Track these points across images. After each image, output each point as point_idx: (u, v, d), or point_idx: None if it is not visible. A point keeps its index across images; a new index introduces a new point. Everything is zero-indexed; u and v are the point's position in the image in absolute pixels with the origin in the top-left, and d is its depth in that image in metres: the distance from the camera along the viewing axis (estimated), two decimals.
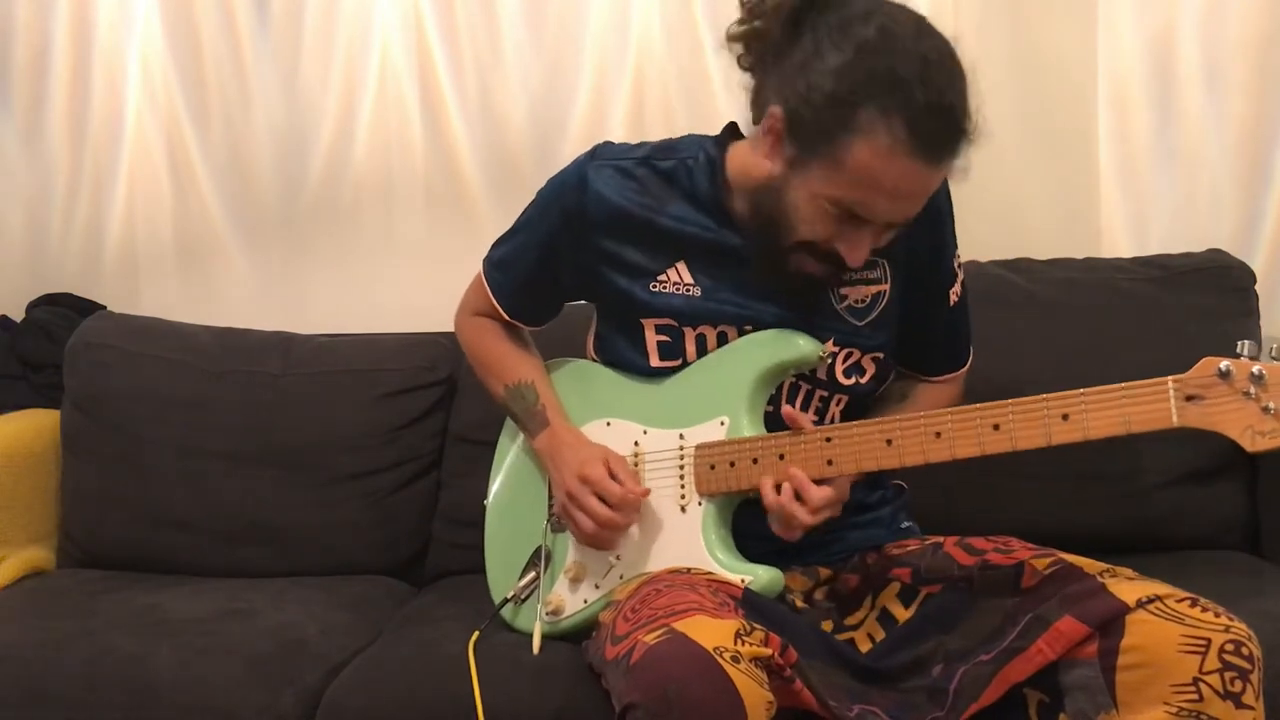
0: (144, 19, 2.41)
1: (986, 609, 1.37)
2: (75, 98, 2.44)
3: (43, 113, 2.45)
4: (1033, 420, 1.31)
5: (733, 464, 1.48)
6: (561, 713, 1.49)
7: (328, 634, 1.77)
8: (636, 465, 1.56)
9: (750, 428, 1.50)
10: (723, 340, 1.55)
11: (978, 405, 1.35)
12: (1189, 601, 1.25)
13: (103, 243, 2.46)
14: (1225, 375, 1.23)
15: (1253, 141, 2.20)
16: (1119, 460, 1.93)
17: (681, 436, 1.54)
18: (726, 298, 1.54)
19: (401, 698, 1.55)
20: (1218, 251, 2.08)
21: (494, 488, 1.76)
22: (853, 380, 1.55)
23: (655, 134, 1.68)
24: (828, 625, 1.49)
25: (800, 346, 1.49)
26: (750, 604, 1.38)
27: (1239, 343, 1.25)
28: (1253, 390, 1.23)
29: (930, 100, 1.31)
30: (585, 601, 1.58)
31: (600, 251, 1.58)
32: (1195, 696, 1.21)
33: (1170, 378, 1.26)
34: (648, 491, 1.53)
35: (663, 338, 1.57)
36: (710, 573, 1.46)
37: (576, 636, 1.57)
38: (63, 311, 2.39)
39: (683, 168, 1.56)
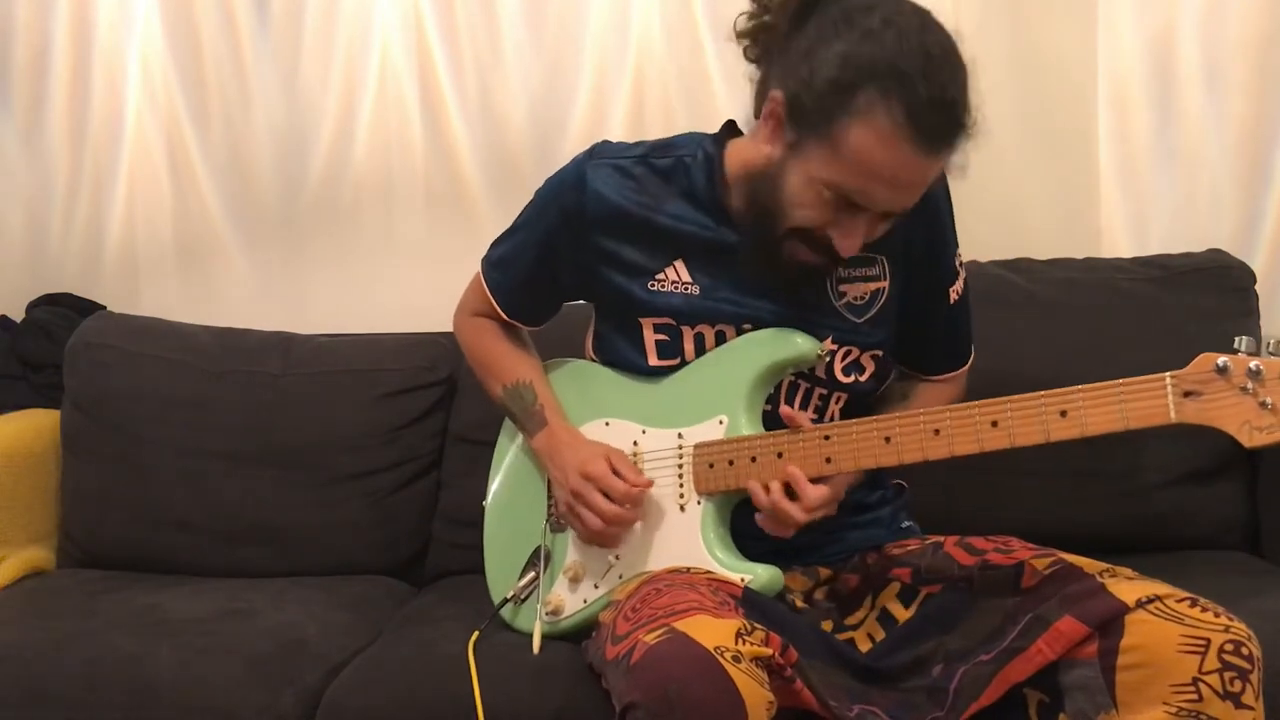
0: (144, 19, 2.41)
1: (986, 609, 1.37)
2: (75, 98, 2.44)
3: (43, 113, 2.45)
4: (1031, 417, 1.31)
5: (731, 463, 1.48)
6: (561, 713, 1.49)
7: (328, 634, 1.77)
8: (635, 464, 1.56)
9: (749, 426, 1.50)
10: (721, 339, 1.55)
11: (976, 402, 1.35)
12: (1189, 601, 1.25)
13: (103, 243, 2.46)
14: (1223, 371, 1.23)
15: (1253, 141, 2.20)
16: (1119, 460, 1.93)
17: (680, 436, 1.54)
18: (725, 296, 1.54)
19: (401, 698, 1.55)
20: (1218, 251, 2.08)
21: (493, 488, 1.76)
22: (852, 378, 1.55)
23: (655, 133, 1.69)
24: (828, 625, 1.49)
25: (799, 345, 1.49)
26: (750, 603, 1.38)
27: (1236, 338, 1.25)
28: (1250, 385, 1.23)
29: (931, 89, 1.31)
30: (585, 601, 1.58)
31: (598, 250, 1.58)
32: (1195, 696, 1.21)
33: (1168, 374, 1.26)
34: (651, 482, 1.53)
35: (661, 337, 1.57)
36: (710, 572, 1.46)
37: (576, 636, 1.57)
38: (63, 311, 2.39)
39: (681, 165, 1.56)
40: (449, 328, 1.83)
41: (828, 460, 1.42)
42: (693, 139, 1.59)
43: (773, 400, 1.53)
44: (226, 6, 2.39)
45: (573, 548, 1.61)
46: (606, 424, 1.61)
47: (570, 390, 1.68)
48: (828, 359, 1.53)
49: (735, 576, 1.44)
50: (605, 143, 1.63)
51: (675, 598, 1.32)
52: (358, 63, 2.38)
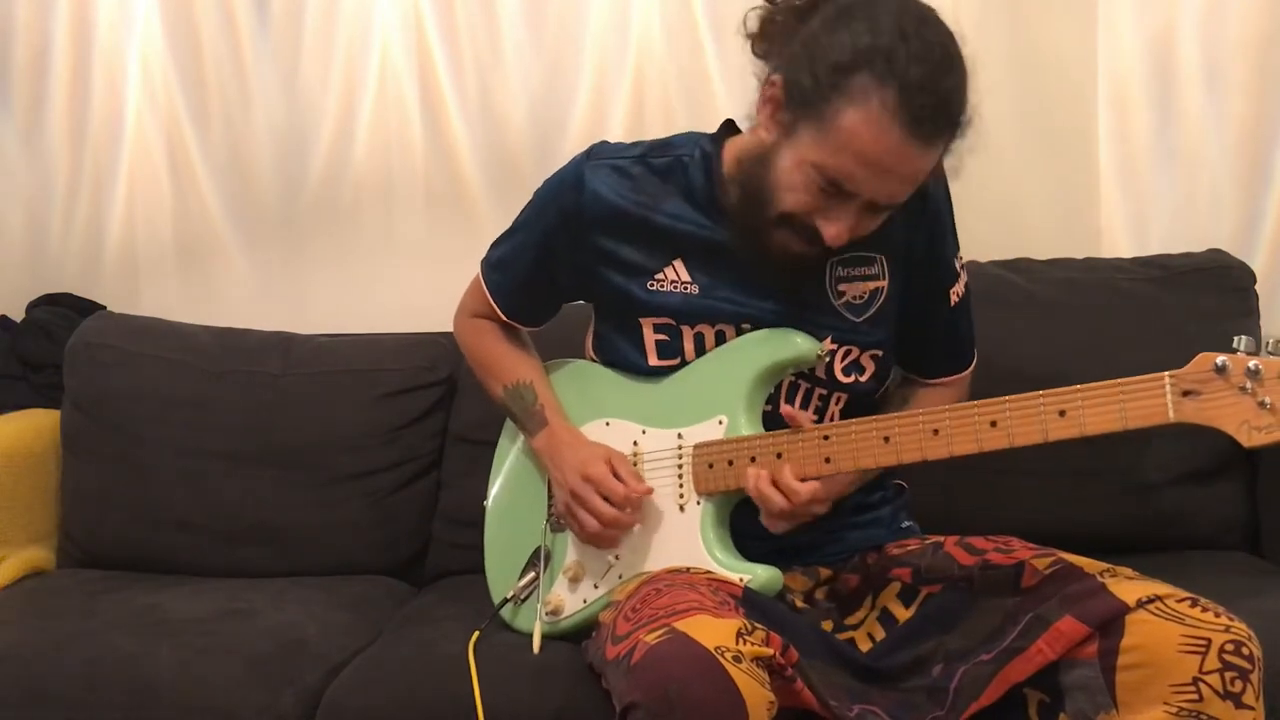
0: (144, 19, 2.41)
1: (987, 609, 1.37)
2: (75, 98, 2.44)
3: (43, 113, 2.45)
4: (1030, 417, 1.31)
5: (731, 463, 1.48)
6: (561, 713, 1.49)
7: (328, 634, 1.77)
8: (635, 465, 1.56)
9: (748, 426, 1.50)
10: (721, 338, 1.55)
11: (975, 402, 1.35)
12: (1189, 601, 1.25)
13: (103, 243, 2.46)
14: (1222, 370, 1.23)
15: (1253, 141, 2.20)
16: (1119, 459, 1.93)
17: (680, 436, 1.54)
18: (724, 295, 1.54)
19: (401, 698, 1.55)
20: (1218, 251, 2.08)
21: (494, 489, 1.76)
22: (852, 378, 1.55)
23: (655, 134, 1.69)
24: (828, 625, 1.49)
25: (799, 345, 1.49)
26: (751, 603, 1.38)
27: (1235, 338, 1.25)
28: (1249, 385, 1.22)
29: (926, 81, 1.31)
30: (585, 601, 1.58)
31: (597, 251, 1.58)
32: (1195, 696, 1.21)
33: (1167, 373, 1.26)
34: (651, 490, 1.53)
35: (661, 336, 1.57)
36: (709, 572, 1.46)
37: (576, 636, 1.57)
38: (63, 311, 2.39)
39: (679, 165, 1.56)
40: (449, 328, 1.83)
41: (827, 460, 1.42)
42: (691, 139, 1.59)
43: (773, 400, 1.53)
44: (226, 6, 2.39)
45: (573, 548, 1.61)
46: (607, 424, 1.61)
47: (570, 390, 1.68)
48: (828, 359, 1.53)
49: (735, 576, 1.44)
50: (603, 143, 1.63)
51: (675, 598, 1.32)
52: (358, 63, 2.38)
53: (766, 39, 1.48)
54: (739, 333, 1.54)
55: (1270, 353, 1.23)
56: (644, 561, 1.53)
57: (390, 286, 2.40)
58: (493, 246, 1.72)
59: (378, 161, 2.40)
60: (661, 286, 1.56)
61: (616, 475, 1.52)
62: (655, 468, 1.55)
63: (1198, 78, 2.21)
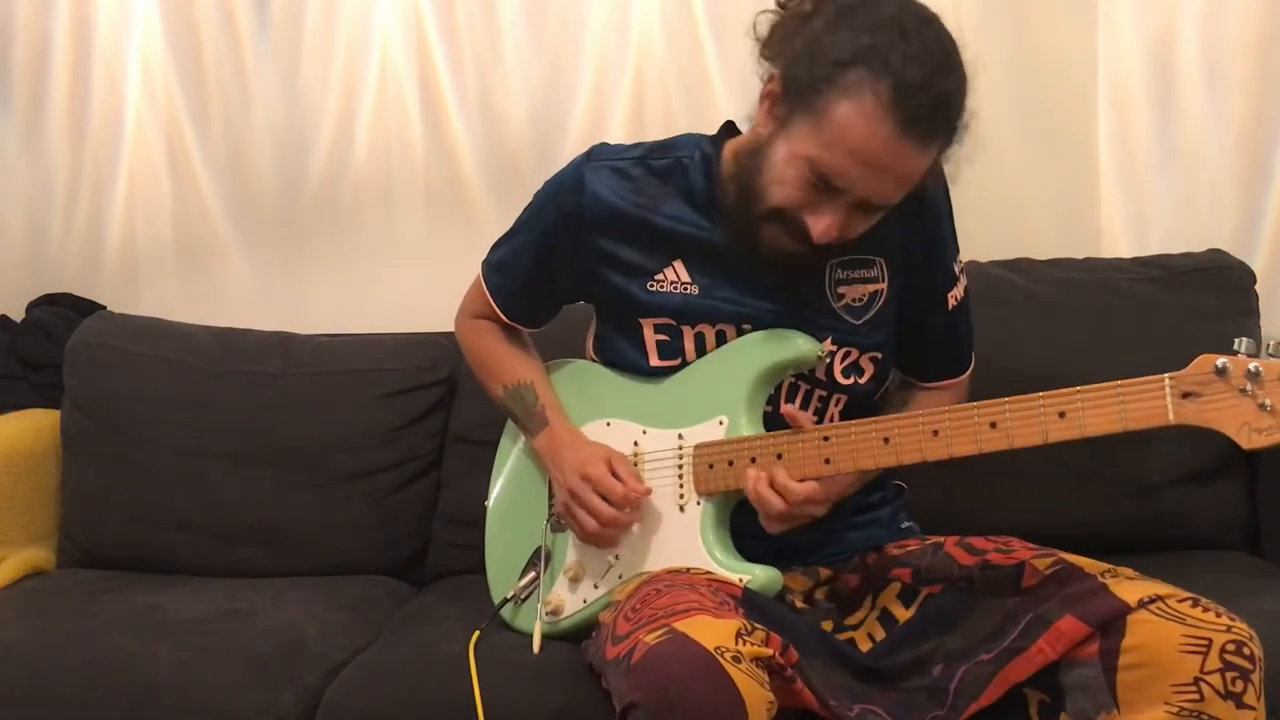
0: (144, 19, 2.40)
1: (987, 609, 1.37)
2: (75, 98, 2.44)
3: (43, 113, 2.45)
4: (1029, 418, 1.31)
5: (731, 463, 1.48)
6: (561, 713, 1.49)
7: (328, 634, 1.77)
8: (636, 465, 1.57)
9: (749, 427, 1.50)
10: (721, 339, 1.55)
11: (974, 403, 1.35)
12: (1190, 601, 1.25)
13: (103, 243, 2.46)
14: (1222, 372, 1.23)
15: (1253, 141, 2.20)
16: (1119, 460, 1.93)
17: (680, 436, 1.54)
18: (724, 296, 1.54)
19: (401, 698, 1.55)
20: (1218, 251, 2.08)
21: (495, 490, 1.76)
22: (851, 380, 1.55)
23: (655, 134, 1.69)
24: (828, 625, 1.49)
25: (799, 346, 1.49)
26: (750, 603, 1.38)
27: (1236, 339, 1.25)
28: (1249, 387, 1.22)
29: (924, 81, 1.32)
30: (585, 601, 1.58)
31: (597, 252, 1.58)
32: (1196, 696, 1.21)
33: (1167, 375, 1.26)
34: (650, 490, 1.53)
35: (661, 337, 1.57)
36: (709, 572, 1.46)
37: (576, 636, 1.57)
38: (63, 311, 2.39)
39: (679, 166, 1.56)
40: (449, 328, 1.83)
41: (827, 461, 1.42)
42: (691, 140, 1.59)
43: (773, 401, 1.53)
44: (226, 6, 2.39)
45: (573, 548, 1.61)
46: (607, 424, 1.61)
47: (571, 391, 1.68)
48: (828, 360, 1.53)
49: (734, 577, 1.44)
50: (603, 145, 1.63)
51: (675, 598, 1.32)
52: (358, 63, 2.38)
53: (773, 42, 1.48)
54: (739, 333, 1.54)
55: (1270, 355, 1.23)
56: (644, 562, 1.53)
57: (390, 286, 2.40)
58: (493, 248, 1.72)
59: (378, 161, 2.40)
60: (661, 287, 1.56)
61: (615, 475, 1.52)
62: (656, 468, 1.55)
63: (1198, 78, 2.21)
